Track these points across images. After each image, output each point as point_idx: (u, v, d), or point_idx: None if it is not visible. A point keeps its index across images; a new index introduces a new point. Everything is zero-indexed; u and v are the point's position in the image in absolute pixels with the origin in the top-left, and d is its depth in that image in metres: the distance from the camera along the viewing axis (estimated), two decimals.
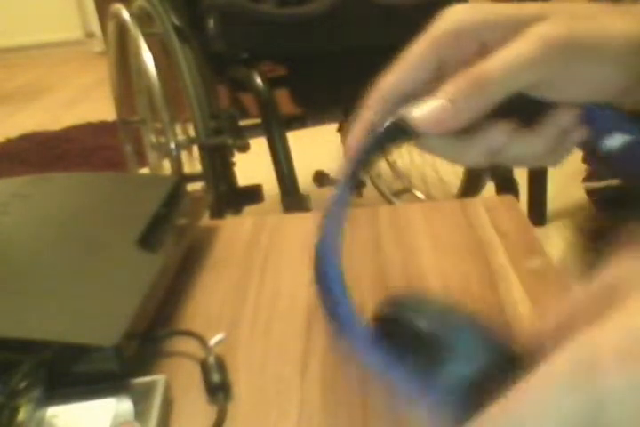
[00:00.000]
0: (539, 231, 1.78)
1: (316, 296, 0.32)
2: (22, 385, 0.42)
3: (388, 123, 0.35)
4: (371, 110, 0.36)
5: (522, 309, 0.50)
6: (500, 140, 0.35)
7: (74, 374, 0.44)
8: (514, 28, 0.33)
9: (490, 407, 0.24)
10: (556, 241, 1.80)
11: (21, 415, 0.40)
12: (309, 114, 1.59)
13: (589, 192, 1.80)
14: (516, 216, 0.65)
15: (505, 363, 0.29)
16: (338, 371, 0.46)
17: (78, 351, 0.44)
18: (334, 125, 1.91)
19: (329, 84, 1.46)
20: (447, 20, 0.35)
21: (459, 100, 0.32)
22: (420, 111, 0.33)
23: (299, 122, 1.58)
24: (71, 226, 0.59)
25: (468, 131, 0.35)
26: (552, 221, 1.89)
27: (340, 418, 0.42)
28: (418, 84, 0.35)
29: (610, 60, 0.33)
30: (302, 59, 1.39)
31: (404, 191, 2.02)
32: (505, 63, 0.32)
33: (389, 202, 2.00)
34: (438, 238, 0.62)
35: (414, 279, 0.56)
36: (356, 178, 0.35)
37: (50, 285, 0.50)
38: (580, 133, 0.36)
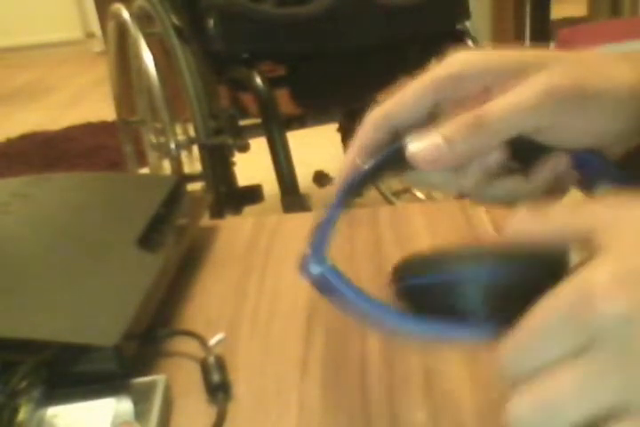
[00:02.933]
0: None
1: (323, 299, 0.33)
2: (22, 385, 0.42)
3: (384, 154, 0.36)
4: (363, 137, 0.37)
5: None
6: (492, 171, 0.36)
7: (74, 374, 0.44)
8: (516, 74, 0.34)
9: (504, 337, 0.26)
10: None
11: (21, 415, 0.40)
12: (309, 114, 1.59)
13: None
14: None
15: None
16: (338, 371, 0.46)
17: (78, 351, 0.44)
18: (334, 125, 1.91)
19: (329, 84, 1.46)
20: (452, 64, 0.36)
21: (455, 141, 0.33)
22: (417, 147, 0.34)
23: (299, 122, 1.58)
24: (71, 226, 0.59)
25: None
26: None
27: (340, 418, 0.42)
28: (412, 119, 0.36)
29: (611, 108, 0.34)
30: (302, 59, 1.39)
31: (404, 191, 2.02)
32: (505, 108, 0.33)
33: (389, 202, 2.00)
34: (438, 238, 0.62)
35: None
36: (347, 201, 0.36)
37: (50, 284, 0.50)
38: (573, 178, 0.37)
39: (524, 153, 0.36)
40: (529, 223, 0.29)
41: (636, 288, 0.23)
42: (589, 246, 0.26)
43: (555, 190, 0.37)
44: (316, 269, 0.33)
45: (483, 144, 0.33)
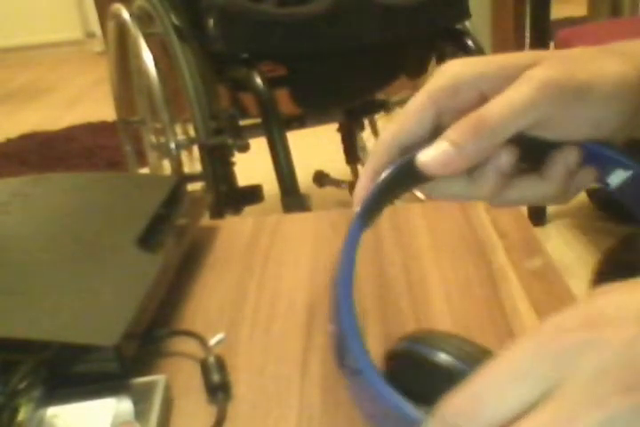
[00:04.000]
0: (539, 231, 1.78)
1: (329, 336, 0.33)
2: (22, 385, 0.42)
3: (394, 167, 0.36)
4: (375, 161, 0.37)
5: (522, 308, 0.50)
6: (507, 171, 0.36)
7: (74, 374, 0.44)
8: (511, 77, 0.35)
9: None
10: (556, 241, 1.80)
11: (21, 415, 0.40)
12: (309, 114, 1.59)
13: (589, 192, 1.80)
14: (515, 216, 0.65)
15: None
16: (338, 371, 0.46)
17: (78, 351, 0.44)
18: (334, 125, 1.91)
19: (329, 84, 1.46)
20: (445, 75, 0.36)
21: (461, 143, 0.34)
22: (426, 155, 0.34)
23: (299, 122, 1.58)
24: (71, 226, 0.59)
25: (474, 171, 0.36)
26: (552, 221, 1.89)
27: (340, 418, 0.42)
28: (418, 135, 0.37)
29: (606, 98, 0.34)
30: (302, 59, 1.39)
31: None
32: (504, 106, 0.33)
33: None
34: (438, 238, 0.62)
35: (414, 279, 0.56)
36: (367, 223, 0.36)
37: (50, 285, 0.50)
38: (589, 173, 0.37)
39: (533, 152, 0.36)
40: None
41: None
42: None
43: (572, 187, 0.38)
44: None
45: (489, 144, 0.34)
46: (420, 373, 0.32)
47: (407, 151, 0.36)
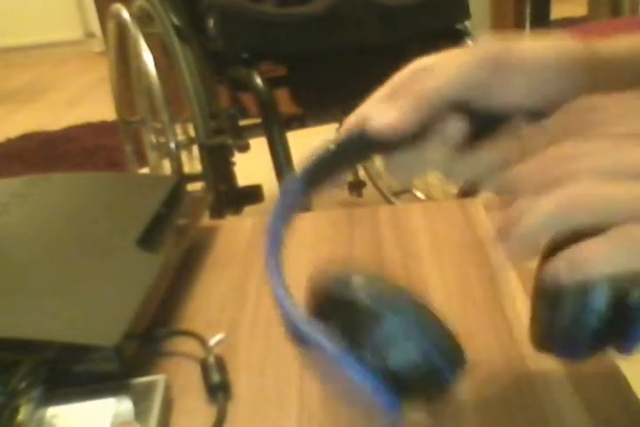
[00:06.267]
0: None
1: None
2: (22, 385, 0.42)
3: (348, 134, 0.38)
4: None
5: (522, 308, 0.50)
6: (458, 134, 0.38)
7: (74, 374, 0.44)
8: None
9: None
10: None
11: (21, 415, 0.40)
12: (309, 114, 1.59)
13: None
14: None
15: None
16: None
17: (78, 351, 0.44)
18: (334, 125, 1.91)
19: (329, 84, 1.46)
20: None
21: (403, 107, 0.37)
22: (376, 120, 0.37)
23: (299, 122, 1.58)
24: (71, 226, 0.59)
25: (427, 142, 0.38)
26: None
27: (341, 418, 0.42)
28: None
29: (543, 67, 0.37)
30: (302, 59, 1.39)
31: (404, 191, 2.02)
32: (439, 75, 0.37)
33: (389, 202, 2.00)
34: (438, 238, 0.62)
35: (414, 279, 0.56)
36: (309, 188, 0.38)
37: (50, 285, 0.50)
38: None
39: (482, 126, 0.38)
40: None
41: None
42: None
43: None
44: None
45: (428, 109, 0.37)
46: (339, 311, 0.35)
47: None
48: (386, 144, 0.37)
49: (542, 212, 0.28)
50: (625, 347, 0.34)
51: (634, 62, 0.39)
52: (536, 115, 0.37)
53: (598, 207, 0.28)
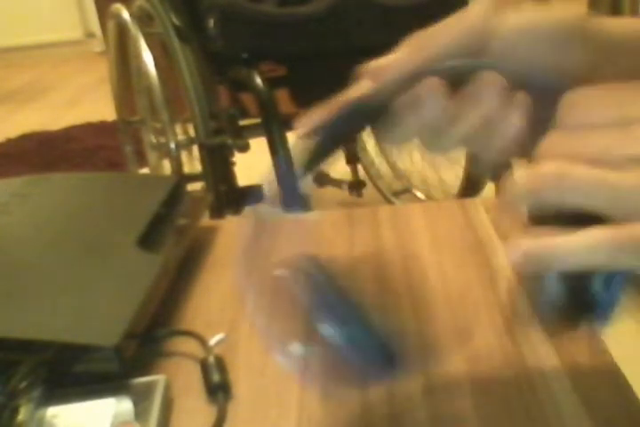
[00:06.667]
0: None
1: None
2: (22, 385, 0.42)
3: (345, 108, 0.40)
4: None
5: (522, 308, 0.50)
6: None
7: (74, 374, 0.44)
8: None
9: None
10: None
11: (21, 415, 0.40)
12: None
13: None
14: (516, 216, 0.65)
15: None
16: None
17: (78, 351, 0.44)
18: None
19: (329, 84, 1.46)
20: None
21: (398, 59, 0.40)
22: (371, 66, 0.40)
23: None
24: (71, 226, 0.59)
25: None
26: None
27: (340, 418, 0.42)
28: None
29: (524, 40, 0.37)
30: (302, 59, 1.39)
31: (404, 191, 2.02)
32: (439, 36, 0.41)
33: (389, 202, 2.00)
34: (438, 238, 0.62)
35: (414, 279, 0.56)
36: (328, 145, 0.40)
37: (50, 285, 0.50)
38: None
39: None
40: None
41: None
42: None
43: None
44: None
45: (419, 58, 0.40)
46: None
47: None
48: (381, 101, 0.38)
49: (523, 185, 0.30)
50: (598, 318, 0.34)
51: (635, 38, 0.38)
52: (532, 88, 0.36)
53: (577, 186, 0.28)
